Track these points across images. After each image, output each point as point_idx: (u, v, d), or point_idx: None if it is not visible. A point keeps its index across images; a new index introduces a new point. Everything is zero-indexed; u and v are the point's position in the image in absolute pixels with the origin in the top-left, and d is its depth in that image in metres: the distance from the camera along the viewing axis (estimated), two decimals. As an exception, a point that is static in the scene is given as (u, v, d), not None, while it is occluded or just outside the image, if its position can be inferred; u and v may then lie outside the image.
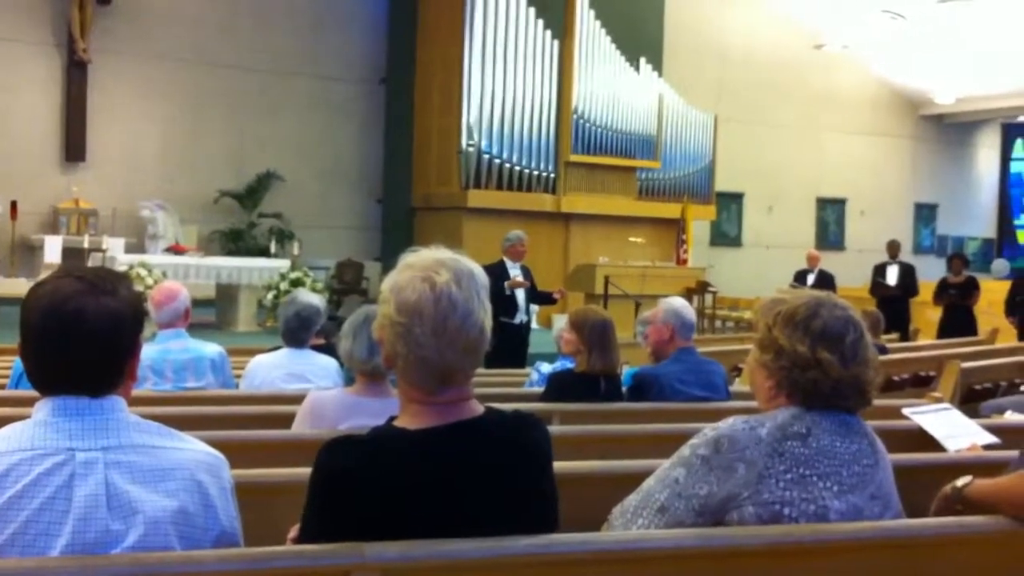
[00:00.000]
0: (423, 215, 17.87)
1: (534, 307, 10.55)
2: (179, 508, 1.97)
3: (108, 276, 2.08)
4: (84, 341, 1.97)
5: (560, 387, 5.11)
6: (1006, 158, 27.35)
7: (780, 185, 22.73)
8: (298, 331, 5.44)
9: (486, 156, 16.64)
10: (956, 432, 4.15)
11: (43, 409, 1.99)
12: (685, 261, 18.13)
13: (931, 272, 18.77)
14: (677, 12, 19.69)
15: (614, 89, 17.85)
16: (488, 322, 2.10)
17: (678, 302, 5.39)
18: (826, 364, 2.34)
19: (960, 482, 2.56)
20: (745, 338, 11.49)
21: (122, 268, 12.19)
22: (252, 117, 18.21)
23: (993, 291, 14.57)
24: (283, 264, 14.58)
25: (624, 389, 5.22)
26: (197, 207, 17.69)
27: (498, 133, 16.76)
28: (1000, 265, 22.96)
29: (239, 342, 10.43)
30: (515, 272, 10.04)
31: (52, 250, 15.23)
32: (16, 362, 5.40)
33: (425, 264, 2.08)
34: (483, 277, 2.13)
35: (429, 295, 2.03)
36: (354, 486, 2.01)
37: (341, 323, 4.11)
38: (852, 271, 19.92)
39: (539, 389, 5.52)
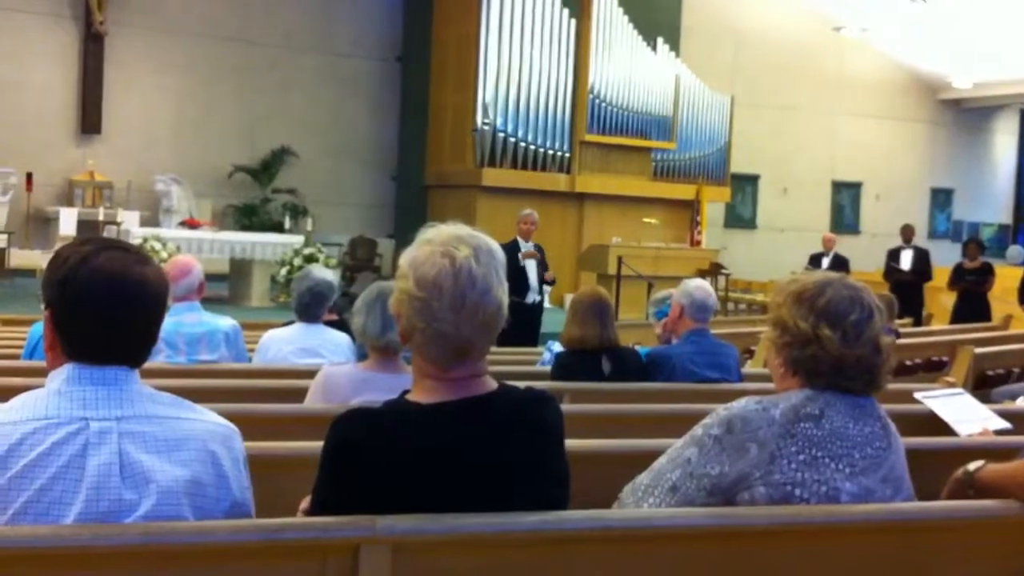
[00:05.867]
0: (437, 193, 17.86)
1: (547, 286, 10.62)
2: (192, 478, 1.98)
3: (136, 247, 2.13)
4: (148, 308, 2.03)
5: (561, 366, 5.15)
6: (1024, 144, 27.20)
7: (795, 168, 22.64)
8: (311, 306, 5.45)
9: (501, 135, 16.61)
10: (968, 417, 4.14)
11: (57, 378, 2.00)
12: (699, 243, 18.11)
13: (946, 257, 18.68)
14: (695, -8, 19.62)
15: (631, 69, 17.78)
16: (505, 299, 2.11)
17: (693, 283, 5.38)
18: (825, 341, 2.33)
19: (972, 466, 2.56)
20: (757, 321, 11.47)
21: (136, 241, 12.22)
22: (267, 92, 18.22)
23: (1008, 277, 14.50)
24: (297, 240, 14.61)
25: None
26: (211, 181, 17.73)
27: (513, 112, 16.72)
28: (1015, 251, 22.80)
29: (252, 317, 10.46)
30: (526, 248, 10.09)
31: (67, 222, 15.27)
32: (31, 332, 5.42)
33: (445, 239, 2.08)
34: (501, 254, 2.13)
35: (449, 270, 2.03)
36: (366, 459, 2.02)
37: (354, 299, 4.11)
38: (866, 255, 19.84)
39: (550, 368, 5.53)
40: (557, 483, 2.19)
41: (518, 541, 2.07)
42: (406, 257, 2.11)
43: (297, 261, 13.78)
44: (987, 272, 13.69)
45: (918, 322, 12.48)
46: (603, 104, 17.49)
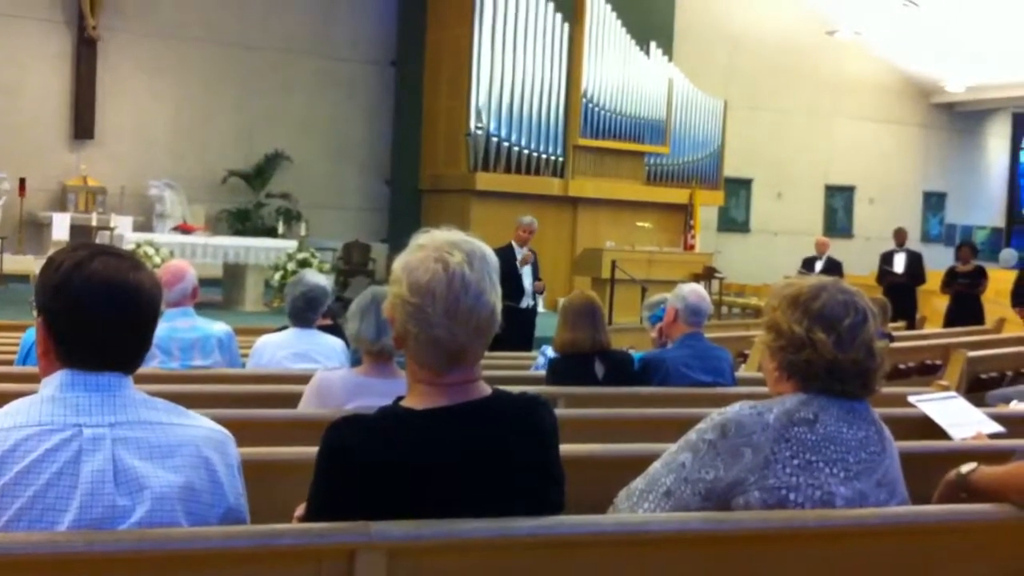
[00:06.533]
0: (431, 197, 17.86)
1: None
2: (185, 484, 1.98)
3: (130, 252, 2.16)
4: (142, 314, 2.02)
5: (555, 372, 5.16)
6: (1016, 147, 27.24)
7: (789, 171, 22.66)
8: (305, 311, 5.45)
9: (494, 139, 16.63)
10: (961, 420, 4.15)
11: (51, 385, 1.99)
12: (692, 247, 18.12)
13: (939, 261, 18.72)
14: (688, -4, 19.65)
15: (624, 73, 17.80)
16: (499, 304, 2.11)
17: (687, 287, 5.38)
18: (820, 345, 2.33)
19: (965, 469, 2.56)
20: (751, 324, 11.48)
21: (129, 247, 12.20)
22: (261, 96, 18.21)
23: (1001, 280, 14.52)
24: (290, 245, 14.59)
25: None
26: (205, 186, 17.71)
27: (507, 116, 16.74)
28: (1008, 255, 22.90)
29: (246, 322, 10.44)
30: (522, 254, 10.09)
31: (60, 227, 15.25)
32: (24, 338, 5.40)
33: (438, 245, 2.08)
34: (494, 259, 2.13)
35: (442, 275, 2.03)
36: (360, 465, 2.02)
37: (348, 304, 4.11)
38: (860, 259, 19.87)
39: (545, 372, 5.53)
40: (553, 487, 2.19)
41: (513, 546, 2.07)
42: (400, 262, 2.11)
43: (291, 266, 13.76)
44: (980, 275, 13.71)
45: (911, 325, 12.50)
46: (596, 108, 17.50)
